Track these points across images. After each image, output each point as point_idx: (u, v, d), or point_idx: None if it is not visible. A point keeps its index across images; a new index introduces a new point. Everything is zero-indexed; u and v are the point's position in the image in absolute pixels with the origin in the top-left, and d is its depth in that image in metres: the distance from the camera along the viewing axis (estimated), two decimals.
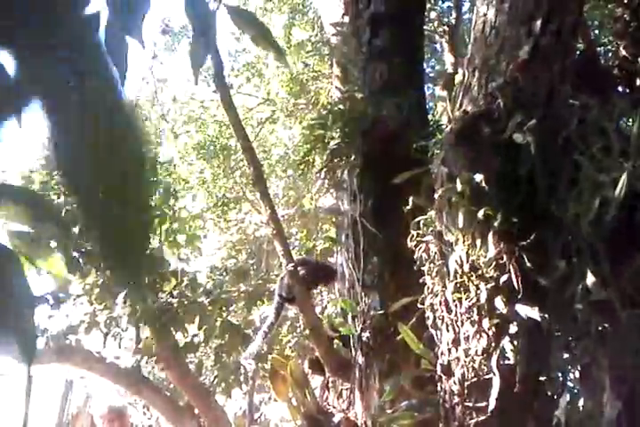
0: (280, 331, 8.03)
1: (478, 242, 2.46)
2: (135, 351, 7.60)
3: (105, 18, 1.65)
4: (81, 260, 7.70)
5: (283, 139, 8.18)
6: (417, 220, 2.80)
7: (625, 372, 3.17)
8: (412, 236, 2.82)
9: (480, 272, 2.50)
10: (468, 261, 2.54)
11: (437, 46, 8.06)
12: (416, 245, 2.81)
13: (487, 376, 2.50)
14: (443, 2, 8.10)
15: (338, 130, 3.61)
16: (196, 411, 7.08)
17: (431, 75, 8.77)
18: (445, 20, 7.47)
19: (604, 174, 2.86)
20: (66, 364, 7.35)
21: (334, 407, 4.06)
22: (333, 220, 5.28)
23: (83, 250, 7.76)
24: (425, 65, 9.30)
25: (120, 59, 1.59)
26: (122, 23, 1.62)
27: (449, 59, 6.32)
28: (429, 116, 4.26)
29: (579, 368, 3.13)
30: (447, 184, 2.61)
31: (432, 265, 2.71)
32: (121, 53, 1.60)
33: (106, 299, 7.45)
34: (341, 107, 3.70)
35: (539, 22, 2.69)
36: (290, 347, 7.79)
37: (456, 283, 2.57)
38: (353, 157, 3.66)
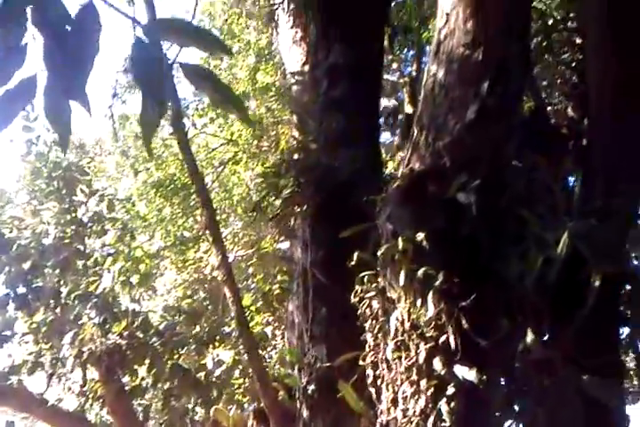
0: (232, 375, 7.86)
1: (419, 301, 2.44)
2: (80, 394, 7.34)
3: (44, 80, 1.52)
4: (30, 296, 7.50)
5: (244, 179, 8.19)
6: (361, 275, 2.78)
7: None
8: (356, 291, 2.79)
9: (420, 331, 2.48)
10: (409, 320, 2.52)
11: (401, 95, 8.24)
12: (360, 301, 2.78)
13: None
14: (408, 51, 8.27)
15: (291, 179, 3.61)
16: None
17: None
18: (409, 69, 7.66)
19: (549, 233, 2.90)
20: (5, 407, 7.04)
21: None
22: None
23: (33, 286, 7.58)
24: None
25: (61, 125, 1.49)
26: (63, 85, 1.49)
27: (409, 109, 6.47)
28: (393, 164, 4.30)
29: None
30: (391, 241, 2.60)
31: (374, 322, 2.68)
32: (62, 119, 1.49)
33: (53, 338, 7.21)
34: (295, 156, 3.71)
35: (486, 84, 2.75)
36: (240, 392, 7.60)
37: (396, 341, 2.54)
38: (305, 207, 3.65)
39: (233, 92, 1.95)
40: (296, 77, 4.45)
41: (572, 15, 4.43)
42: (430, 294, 2.41)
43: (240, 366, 7.39)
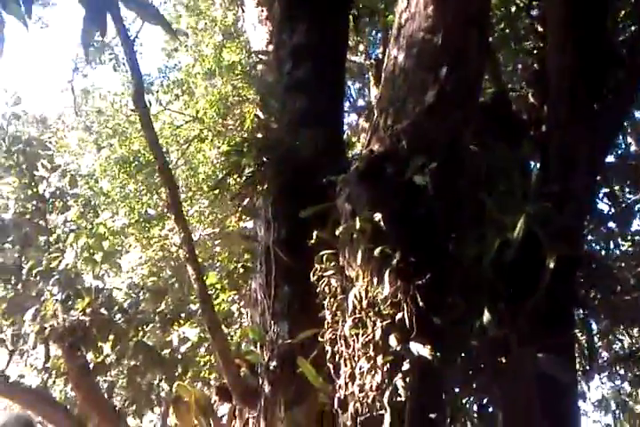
0: (198, 352, 7.91)
1: (376, 279, 2.52)
2: (43, 370, 7.33)
3: None
4: None
5: (210, 157, 8.14)
6: (320, 254, 2.84)
7: (518, 407, 3.29)
8: (316, 269, 2.85)
9: (377, 309, 2.55)
10: (366, 298, 2.59)
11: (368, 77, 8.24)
12: (319, 279, 2.84)
13: (380, 412, 2.54)
14: (375, 33, 8.25)
15: (253, 158, 3.62)
16: None
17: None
18: (376, 51, 7.66)
19: (506, 215, 2.98)
20: None
21: None
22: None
23: None
24: (357, 95, 9.49)
25: None
26: None
27: (374, 91, 6.49)
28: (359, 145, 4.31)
29: (476, 403, 3.24)
30: (350, 221, 2.66)
31: (333, 299, 2.75)
32: None
33: (14, 314, 7.16)
34: (258, 135, 3.72)
35: (444, 69, 2.80)
36: (206, 369, 7.67)
37: (354, 318, 2.61)
38: (267, 185, 3.68)
39: (164, 17, 2.34)
40: (260, 57, 4.43)
41: (534, 3, 4.49)
42: (387, 273, 2.48)
43: (206, 344, 7.44)
